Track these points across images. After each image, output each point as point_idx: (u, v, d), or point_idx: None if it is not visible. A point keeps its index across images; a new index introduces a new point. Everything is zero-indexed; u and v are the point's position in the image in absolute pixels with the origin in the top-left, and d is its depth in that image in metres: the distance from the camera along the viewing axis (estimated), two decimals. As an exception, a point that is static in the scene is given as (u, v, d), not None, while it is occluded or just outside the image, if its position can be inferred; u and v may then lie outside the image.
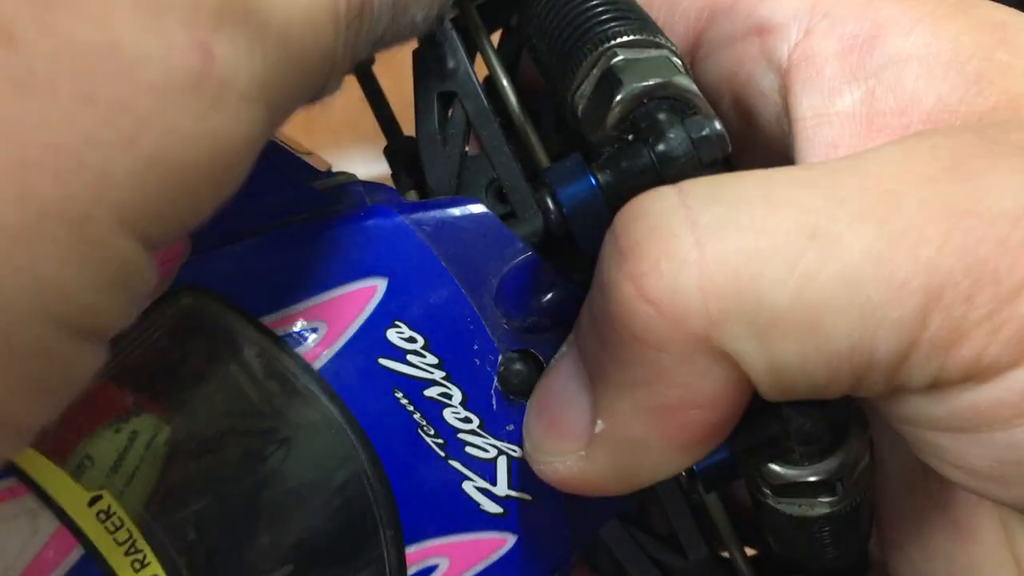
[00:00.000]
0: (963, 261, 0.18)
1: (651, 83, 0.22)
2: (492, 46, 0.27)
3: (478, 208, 0.24)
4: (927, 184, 0.19)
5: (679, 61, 0.23)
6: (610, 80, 0.22)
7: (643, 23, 0.23)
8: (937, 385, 0.19)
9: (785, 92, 0.24)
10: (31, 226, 0.14)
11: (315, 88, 0.20)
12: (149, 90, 0.15)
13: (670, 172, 0.21)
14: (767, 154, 0.26)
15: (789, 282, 0.19)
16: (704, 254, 0.19)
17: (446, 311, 0.24)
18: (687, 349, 0.19)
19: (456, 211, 0.24)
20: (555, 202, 0.22)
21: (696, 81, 0.27)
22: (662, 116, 0.21)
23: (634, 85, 0.22)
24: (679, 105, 0.22)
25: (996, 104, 0.21)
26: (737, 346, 0.19)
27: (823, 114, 0.23)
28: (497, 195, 0.26)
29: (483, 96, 0.26)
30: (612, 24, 0.23)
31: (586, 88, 0.23)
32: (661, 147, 0.21)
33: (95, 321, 0.16)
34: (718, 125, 0.22)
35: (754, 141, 0.26)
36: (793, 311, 0.19)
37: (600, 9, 0.24)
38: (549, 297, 0.24)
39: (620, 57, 0.23)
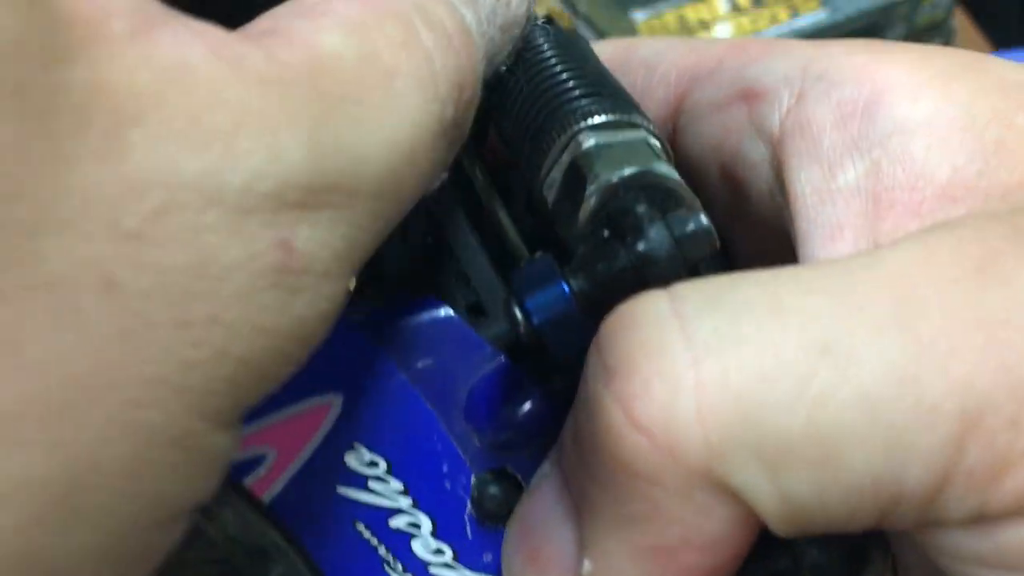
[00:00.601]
0: (1004, 380, 0.16)
1: (626, 173, 0.19)
2: None
3: (442, 311, 0.22)
4: (954, 288, 0.16)
5: (658, 143, 0.21)
6: (581, 169, 0.20)
7: (616, 99, 0.21)
8: (979, 520, 0.16)
9: (778, 164, 0.22)
10: (140, 455, 0.14)
11: (414, 202, 0.18)
12: (236, 299, 0.15)
13: (651, 274, 0.19)
14: (760, 231, 0.24)
15: (800, 406, 0.16)
16: (701, 374, 0.16)
17: (410, 429, 0.21)
18: (685, 484, 0.17)
19: (417, 316, 0.22)
20: (523, 311, 0.20)
21: (680, 150, 0.25)
22: (640, 209, 0.19)
23: (607, 176, 0.19)
24: (659, 195, 0.20)
25: (1022, 180, 0.19)
26: (743, 480, 0.17)
27: (824, 191, 0.21)
28: (468, 283, 0.23)
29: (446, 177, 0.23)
30: (582, 101, 0.21)
31: (555, 176, 0.20)
32: (640, 247, 0.19)
33: (191, 506, 0.16)
34: (704, 219, 0.19)
35: (745, 215, 0.24)
36: (806, 440, 0.16)
37: (569, 84, 0.21)
38: (526, 409, 0.21)
39: (591, 142, 0.20)
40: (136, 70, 0.14)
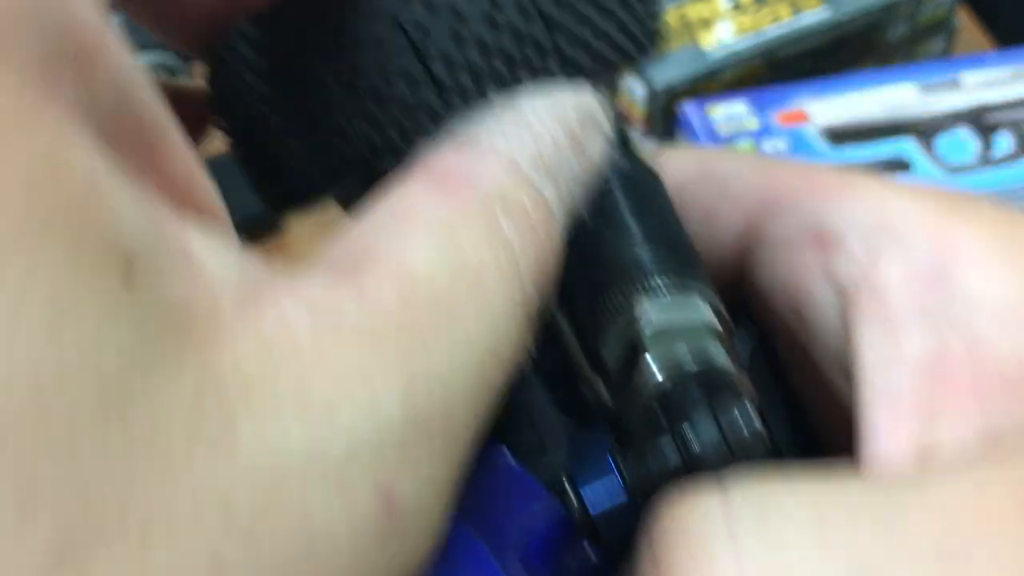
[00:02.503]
0: None
1: (684, 365, 0.20)
2: None
3: (499, 453, 0.21)
4: (1001, 532, 0.17)
5: (717, 321, 0.21)
6: (638, 351, 0.20)
7: (680, 260, 0.21)
8: None
9: (847, 317, 0.22)
10: None
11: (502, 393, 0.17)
12: (335, 555, 0.14)
13: (701, 469, 0.20)
14: (823, 360, 0.24)
15: None
16: None
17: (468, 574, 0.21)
18: None
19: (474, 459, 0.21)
20: (579, 500, 0.20)
21: (753, 281, 0.25)
22: (694, 409, 0.20)
23: (664, 364, 0.20)
24: (713, 391, 0.20)
25: None
26: None
27: (889, 358, 0.21)
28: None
29: None
30: (645, 260, 0.21)
31: (613, 344, 0.20)
32: (694, 449, 0.19)
33: None
34: (756, 423, 0.20)
35: (810, 344, 0.24)
36: None
37: (633, 238, 0.21)
38: (583, 562, 0.21)
39: (651, 324, 0.20)
40: (243, 349, 0.13)
